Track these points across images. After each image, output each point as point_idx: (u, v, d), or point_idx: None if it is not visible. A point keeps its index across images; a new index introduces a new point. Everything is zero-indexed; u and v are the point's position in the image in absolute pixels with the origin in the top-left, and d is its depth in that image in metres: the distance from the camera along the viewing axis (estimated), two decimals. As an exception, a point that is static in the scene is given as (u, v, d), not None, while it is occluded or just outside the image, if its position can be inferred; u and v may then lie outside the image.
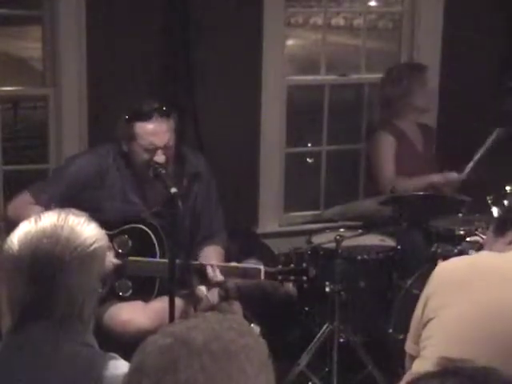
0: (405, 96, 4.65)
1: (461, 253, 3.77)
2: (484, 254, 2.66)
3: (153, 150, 3.44)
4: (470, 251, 3.67)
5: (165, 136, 3.46)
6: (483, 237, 3.63)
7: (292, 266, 3.43)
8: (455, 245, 3.98)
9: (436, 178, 4.58)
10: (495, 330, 2.36)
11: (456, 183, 4.58)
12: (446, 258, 3.64)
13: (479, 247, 3.15)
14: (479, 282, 2.47)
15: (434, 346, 2.41)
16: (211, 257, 3.57)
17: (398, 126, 4.69)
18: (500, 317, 2.38)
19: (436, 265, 2.66)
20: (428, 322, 2.45)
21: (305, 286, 3.48)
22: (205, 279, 3.39)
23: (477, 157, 4.47)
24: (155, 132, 3.45)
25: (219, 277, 3.37)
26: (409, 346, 2.57)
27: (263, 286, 3.86)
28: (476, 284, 2.46)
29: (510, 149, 4.92)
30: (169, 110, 3.52)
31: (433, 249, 4.02)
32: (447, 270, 2.56)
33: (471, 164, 4.49)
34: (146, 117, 3.45)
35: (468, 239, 3.98)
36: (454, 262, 2.65)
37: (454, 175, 4.54)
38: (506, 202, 3.82)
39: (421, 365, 2.42)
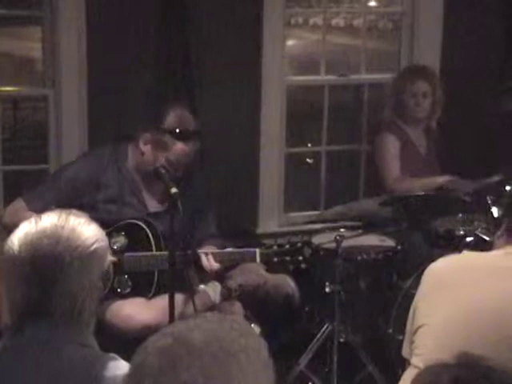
0: (395, 102, 4.67)
1: None
2: (469, 254, 2.64)
3: (176, 165, 3.53)
4: None
5: (191, 156, 3.58)
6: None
7: (287, 246, 3.43)
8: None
9: (442, 179, 4.54)
10: (483, 329, 2.35)
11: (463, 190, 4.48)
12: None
13: None
14: (464, 283, 2.45)
15: (422, 355, 2.39)
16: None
17: (403, 128, 4.69)
18: (487, 316, 2.37)
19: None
20: (417, 329, 2.44)
21: (302, 266, 3.44)
22: (201, 270, 3.40)
23: (488, 181, 4.36)
24: (188, 154, 3.56)
25: (214, 265, 3.37)
26: (406, 351, 2.55)
27: (266, 287, 3.86)
28: (462, 287, 2.44)
29: (510, 149, 4.92)
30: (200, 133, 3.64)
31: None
32: (432, 273, 2.53)
33: (482, 183, 4.38)
34: (187, 138, 3.55)
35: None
36: (440, 264, 2.61)
37: (460, 183, 4.46)
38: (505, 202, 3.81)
39: (410, 373, 2.40)
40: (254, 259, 3.39)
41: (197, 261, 3.38)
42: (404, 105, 4.67)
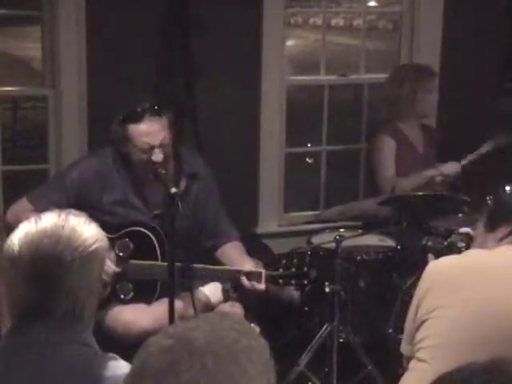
0: (408, 99, 4.64)
1: (450, 246, 3.78)
2: (473, 253, 2.64)
3: (149, 150, 3.42)
4: (460, 243, 3.68)
5: (159, 135, 3.44)
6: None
7: (293, 269, 3.43)
8: (445, 237, 3.97)
9: (432, 172, 4.56)
10: (488, 330, 2.36)
11: (454, 176, 4.55)
12: (435, 251, 3.68)
13: (469, 239, 3.14)
14: (470, 283, 2.46)
15: (428, 348, 2.40)
16: (234, 255, 3.61)
17: (400, 128, 4.67)
18: (492, 317, 2.38)
19: (426, 259, 2.64)
20: (421, 324, 2.44)
21: (306, 289, 3.48)
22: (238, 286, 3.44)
23: (476, 153, 4.47)
24: (148, 132, 3.43)
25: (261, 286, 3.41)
26: (404, 348, 2.56)
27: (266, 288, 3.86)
28: (467, 284, 2.45)
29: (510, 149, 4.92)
30: (160, 109, 3.49)
31: (423, 242, 4.01)
32: (437, 271, 2.54)
33: (469, 157, 4.48)
34: (137, 118, 3.43)
35: (460, 230, 3.98)
36: (444, 262, 2.62)
37: (449, 167, 4.52)
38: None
39: (416, 366, 2.41)
40: (259, 280, 3.41)
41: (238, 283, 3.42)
42: (399, 104, 4.64)
